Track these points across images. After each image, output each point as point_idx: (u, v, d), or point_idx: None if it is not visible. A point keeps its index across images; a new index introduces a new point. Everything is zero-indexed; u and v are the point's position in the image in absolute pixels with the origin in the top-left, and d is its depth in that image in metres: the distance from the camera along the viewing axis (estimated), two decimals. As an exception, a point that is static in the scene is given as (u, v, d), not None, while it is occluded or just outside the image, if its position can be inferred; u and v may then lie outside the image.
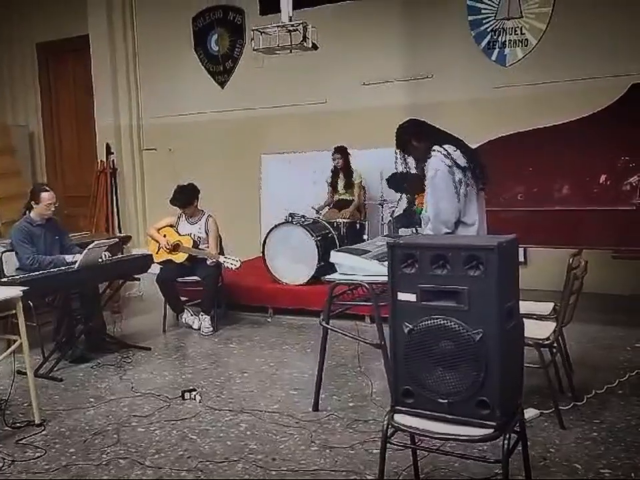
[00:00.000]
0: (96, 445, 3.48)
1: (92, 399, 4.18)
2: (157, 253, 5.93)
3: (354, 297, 4.33)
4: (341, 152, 7.37)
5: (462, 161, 3.69)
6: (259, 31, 5.50)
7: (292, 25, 5.35)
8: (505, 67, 7.41)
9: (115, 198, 9.06)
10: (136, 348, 5.26)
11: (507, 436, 2.32)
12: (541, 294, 4.65)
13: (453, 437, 2.38)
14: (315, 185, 8.21)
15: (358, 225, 7.00)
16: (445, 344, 2.37)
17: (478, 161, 3.76)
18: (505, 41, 7.40)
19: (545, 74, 7.02)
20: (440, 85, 7.65)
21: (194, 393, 4.11)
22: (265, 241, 6.44)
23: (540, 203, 5.34)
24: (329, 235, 6.48)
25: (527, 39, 7.29)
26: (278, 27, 5.35)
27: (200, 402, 4.04)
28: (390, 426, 2.49)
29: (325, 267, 6.32)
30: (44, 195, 5.03)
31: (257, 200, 8.67)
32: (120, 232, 9.03)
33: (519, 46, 7.34)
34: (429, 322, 2.39)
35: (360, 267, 3.80)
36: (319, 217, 6.85)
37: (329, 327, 3.84)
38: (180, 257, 5.86)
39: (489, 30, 7.45)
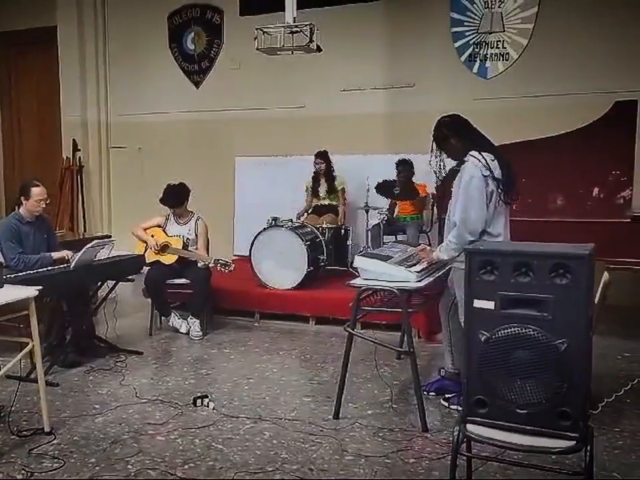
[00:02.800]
0: (117, 454, 3.31)
1: (97, 405, 3.98)
2: (143, 254, 5.72)
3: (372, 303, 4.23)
4: (323, 157, 7.31)
5: (497, 172, 3.68)
6: (262, 30, 5.38)
7: (296, 26, 5.25)
8: (485, 79, 7.53)
9: (81, 196, 8.77)
10: (127, 352, 5.06)
11: (589, 447, 2.32)
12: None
13: (534, 449, 2.36)
14: (293, 190, 8.14)
15: (343, 231, 6.95)
16: (524, 353, 2.35)
17: (512, 174, 3.75)
18: (487, 54, 7.53)
19: (525, 88, 7.17)
20: (421, 95, 7.70)
21: (206, 399, 3.97)
22: (252, 244, 6.32)
23: (536, 214, 5.42)
24: (317, 240, 6.43)
25: (508, 53, 7.42)
26: (283, 27, 5.25)
27: (214, 409, 3.90)
28: (462, 436, 2.45)
29: (313, 272, 6.29)
30: (34, 189, 4.79)
31: (231, 203, 8.51)
32: (85, 230, 8.78)
33: (500, 60, 7.47)
34: (509, 330, 2.37)
35: (387, 273, 3.73)
36: (305, 222, 6.75)
37: (354, 332, 3.78)
38: (169, 259, 5.68)
39: (471, 42, 7.56)
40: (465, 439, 2.50)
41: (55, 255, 4.79)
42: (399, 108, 7.82)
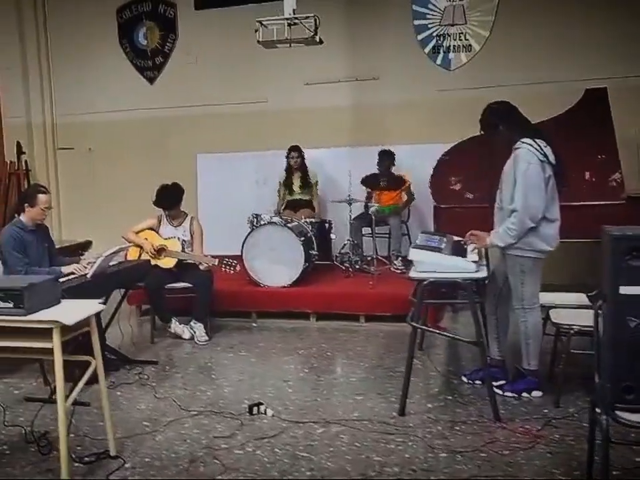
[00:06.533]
0: (205, 473, 3.10)
1: (146, 423, 3.73)
2: (138, 259, 5.41)
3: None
4: (297, 150, 7.23)
5: (552, 158, 3.73)
6: (261, 23, 5.19)
7: (296, 18, 5.11)
8: (449, 70, 7.66)
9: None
10: (142, 363, 4.78)
11: None
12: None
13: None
14: (258, 185, 8.01)
15: (327, 225, 6.87)
16: (678, 336, 2.38)
17: (561, 160, 3.81)
18: (450, 45, 7.66)
19: (489, 78, 7.32)
20: (385, 87, 7.75)
21: (262, 407, 3.81)
22: (243, 243, 6.11)
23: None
24: (308, 235, 6.31)
25: (470, 45, 7.58)
26: (286, 19, 5.09)
27: (273, 416, 3.75)
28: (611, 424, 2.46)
29: (308, 268, 6.19)
30: (41, 197, 4.45)
31: (193, 201, 8.20)
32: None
33: (462, 51, 7.62)
34: (663, 315, 2.39)
35: (445, 264, 3.70)
36: (292, 218, 6.60)
37: (419, 326, 3.72)
38: (168, 262, 5.41)
39: (434, 35, 7.67)
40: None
41: (65, 269, 4.44)
42: (363, 100, 7.84)
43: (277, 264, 6.06)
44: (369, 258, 6.54)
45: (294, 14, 5.19)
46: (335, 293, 6.00)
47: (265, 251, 6.08)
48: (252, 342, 5.37)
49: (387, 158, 6.94)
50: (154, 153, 8.24)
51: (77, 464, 3.21)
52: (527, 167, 3.67)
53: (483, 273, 3.72)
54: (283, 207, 7.29)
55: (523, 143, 3.74)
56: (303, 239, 6.07)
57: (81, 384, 3.12)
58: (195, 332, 5.38)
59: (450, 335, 3.97)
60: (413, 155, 7.34)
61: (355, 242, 6.83)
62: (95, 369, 3.22)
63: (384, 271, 6.43)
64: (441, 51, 7.67)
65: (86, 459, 3.27)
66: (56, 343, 2.89)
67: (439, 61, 7.68)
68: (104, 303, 4.72)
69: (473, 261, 3.77)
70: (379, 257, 6.54)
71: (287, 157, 7.25)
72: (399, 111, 7.71)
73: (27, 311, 2.89)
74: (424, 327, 3.81)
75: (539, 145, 3.72)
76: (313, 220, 6.73)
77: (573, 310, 4.08)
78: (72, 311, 3.02)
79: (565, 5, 7.13)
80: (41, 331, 2.92)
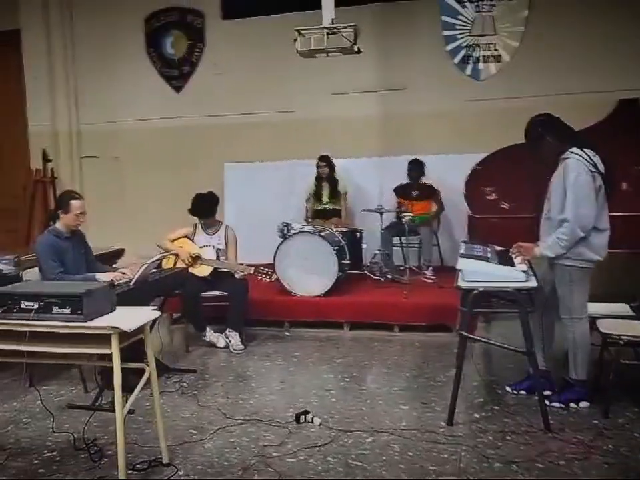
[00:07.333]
0: (259, 481, 3.10)
1: (193, 430, 3.71)
2: (174, 267, 5.41)
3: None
4: (326, 160, 7.23)
5: (601, 167, 3.71)
6: (299, 32, 5.21)
7: (336, 28, 5.12)
8: (478, 81, 7.64)
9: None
10: (180, 371, 4.78)
11: None
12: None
13: None
14: (285, 195, 8.01)
15: (358, 234, 6.86)
16: None
17: (611, 168, 3.79)
18: (479, 56, 7.64)
19: (518, 89, 7.31)
20: (413, 97, 7.73)
21: (309, 415, 3.78)
22: (276, 252, 6.10)
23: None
24: (341, 245, 6.29)
25: (500, 55, 7.56)
26: (325, 28, 5.10)
27: (320, 425, 3.72)
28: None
29: (341, 277, 6.17)
30: (74, 203, 4.46)
31: (221, 209, 8.18)
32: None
33: (492, 61, 7.61)
34: None
35: (493, 274, 3.67)
36: (325, 227, 6.58)
37: (470, 335, 3.70)
38: (203, 270, 5.41)
39: (463, 45, 7.66)
40: None
41: (101, 276, 4.42)
42: (391, 110, 7.82)
43: (310, 273, 6.04)
44: (401, 268, 6.51)
45: (332, 23, 5.19)
46: (369, 303, 5.98)
47: (298, 260, 6.06)
48: (287, 351, 5.34)
49: (417, 168, 6.93)
50: (181, 162, 8.25)
51: (129, 471, 3.19)
52: (576, 177, 3.65)
53: (533, 283, 3.68)
54: (310, 217, 7.29)
55: (572, 152, 3.73)
56: (336, 248, 6.06)
57: (136, 391, 3.11)
58: (230, 340, 5.37)
59: (503, 345, 3.91)
60: (442, 165, 7.32)
61: (386, 252, 6.81)
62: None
63: (415, 281, 6.39)
64: (471, 62, 7.65)
65: (138, 465, 3.26)
66: (115, 349, 2.89)
67: (468, 72, 7.66)
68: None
69: (523, 270, 3.74)
70: (410, 267, 6.52)
71: (317, 167, 7.26)
72: (428, 121, 7.69)
73: (85, 317, 2.89)
74: (475, 337, 3.78)
75: (588, 155, 3.70)
76: (344, 229, 6.71)
77: (620, 320, 4.05)
78: (129, 317, 3.01)
79: (596, 15, 7.09)
80: (97, 337, 2.92)
